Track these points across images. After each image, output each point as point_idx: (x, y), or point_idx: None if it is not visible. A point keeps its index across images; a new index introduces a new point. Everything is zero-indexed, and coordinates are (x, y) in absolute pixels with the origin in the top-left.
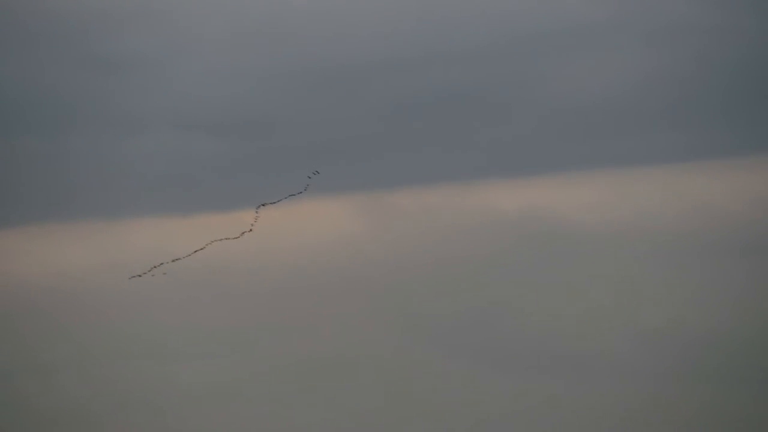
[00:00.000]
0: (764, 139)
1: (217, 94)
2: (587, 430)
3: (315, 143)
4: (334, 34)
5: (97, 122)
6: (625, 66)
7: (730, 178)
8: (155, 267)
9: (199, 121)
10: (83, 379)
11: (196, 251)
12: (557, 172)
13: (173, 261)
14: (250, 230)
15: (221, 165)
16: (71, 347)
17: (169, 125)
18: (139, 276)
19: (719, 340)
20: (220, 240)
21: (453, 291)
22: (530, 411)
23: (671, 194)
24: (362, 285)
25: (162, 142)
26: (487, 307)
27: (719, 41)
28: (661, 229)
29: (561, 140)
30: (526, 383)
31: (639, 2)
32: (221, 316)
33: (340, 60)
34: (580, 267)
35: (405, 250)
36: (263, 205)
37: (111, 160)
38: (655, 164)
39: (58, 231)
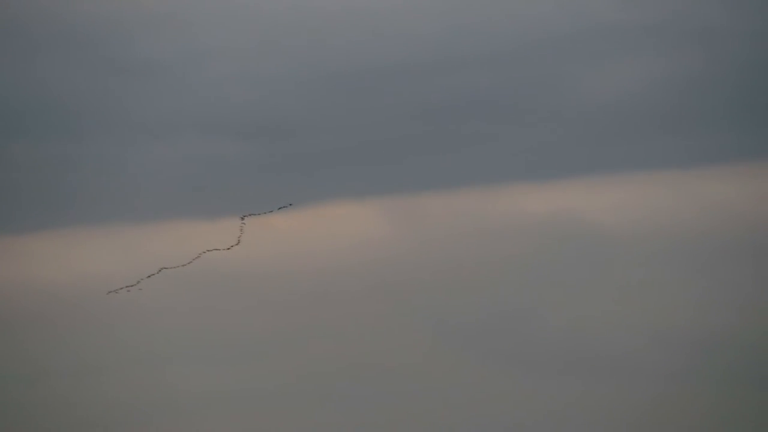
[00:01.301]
0: None
1: (242, 99)
2: None
3: (341, 147)
4: (361, 37)
5: (122, 127)
6: (648, 69)
7: (754, 181)
8: (148, 276)
9: (224, 125)
10: (115, 383)
11: (190, 262)
12: (583, 176)
13: (160, 270)
14: (238, 243)
15: (247, 169)
16: (103, 349)
17: (194, 129)
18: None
19: (743, 342)
20: (211, 250)
21: (480, 295)
22: (557, 414)
23: (695, 197)
24: (389, 289)
25: (187, 146)
26: (515, 311)
27: (743, 45)
28: (684, 232)
29: (586, 144)
30: (554, 386)
31: (666, 5)
32: (246, 321)
33: (367, 63)
34: (605, 270)
35: (432, 254)
36: (246, 216)
37: (136, 164)
38: (679, 168)
39: (86, 235)
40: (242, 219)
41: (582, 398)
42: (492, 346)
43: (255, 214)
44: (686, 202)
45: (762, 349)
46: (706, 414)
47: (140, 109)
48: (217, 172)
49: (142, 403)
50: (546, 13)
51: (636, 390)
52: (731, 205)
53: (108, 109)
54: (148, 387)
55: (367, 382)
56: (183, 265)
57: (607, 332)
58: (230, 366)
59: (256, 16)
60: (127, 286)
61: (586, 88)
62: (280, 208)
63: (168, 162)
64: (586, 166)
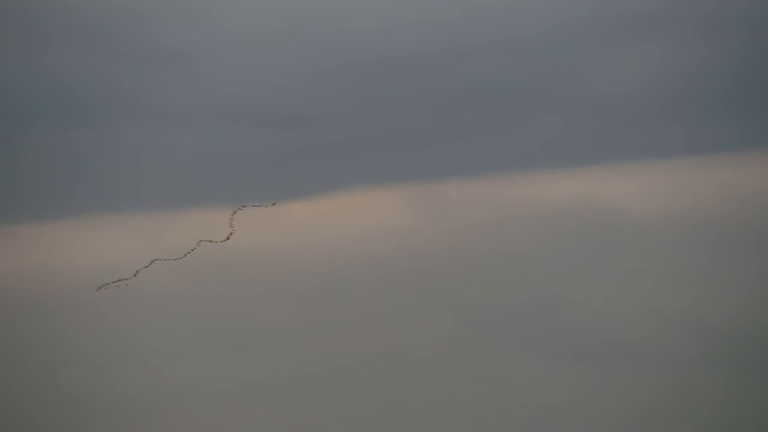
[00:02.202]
0: None
1: (263, 87)
2: (641, 421)
3: (362, 135)
4: (382, 25)
5: (145, 115)
6: (675, 55)
7: None
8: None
9: (246, 113)
10: (139, 372)
11: (187, 253)
12: (604, 163)
13: (171, 259)
14: (228, 238)
15: (269, 157)
16: (124, 338)
17: (214, 118)
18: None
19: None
20: (209, 241)
21: (503, 282)
22: (580, 401)
23: (717, 184)
24: (410, 277)
25: (209, 134)
26: (536, 299)
27: (764, 30)
28: (706, 218)
29: (608, 131)
30: (577, 374)
31: None
32: (267, 309)
33: (389, 51)
34: (630, 257)
35: (454, 242)
36: (240, 208)
37: (158, 152)
38: (701, 154)
39: (106, 223)
40: (233, 213)
41: (604, 385)
42: (513, 333)
43: (245, 206)
44: (708, 188)
45: None
46: (731, 401)
47: (161, 98)
48: (238, 161)
49: (165, 393)
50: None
51: (658, 377)
52: (753, 191)
53: (129, 97)
54: (171, 376)
55: (388, 371)
56: (176, 258)
57: (629, 319)
58: (252, 355)
59: (276, 4)
60: (135, 272)
61: (607, 76)
62: (271, 204)
63: (189, 150)
64: (608, 153)
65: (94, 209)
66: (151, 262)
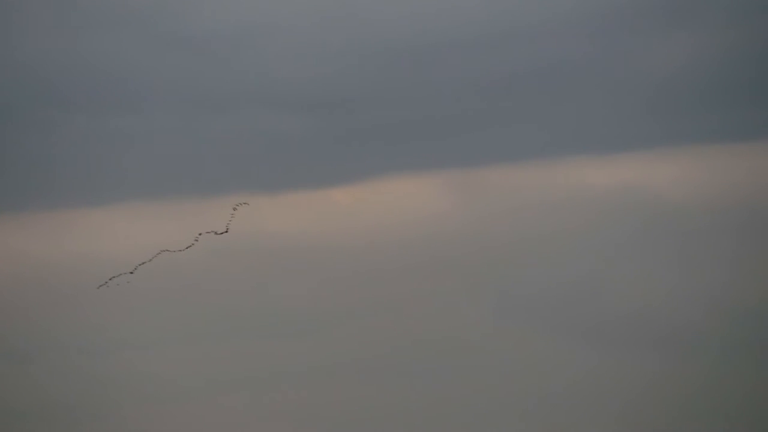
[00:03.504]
0: None
1: (303, 73)
2: (684, 406)
3: (402, 121)
4: (422, 11)
5: (184, 101)
6: (712, 41)
7: None
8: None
9: (286, 99)
10: (174, 357)
11: (188, 247)
12: (646, 148)
13: (173, 251)
14: (226, 231)
15: (309, 144)
16: (168, 321)
17: (255, 104)
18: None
19: None
20: (208, 232)
21: (542, 268)
22: (623, 387)
23: (758, 170)
24: (451, 263)
25: (249, 120)
26: (577, 284)
27: None
28: (749, 205)
29: (650, 116)
30: (619, 359)
31: None
32: (309, 296)
33: (429, 37)
34: (670, 243)
35: (493, 228)
36: (240, 204)
37: (199, 138)
38: (743, 140)
39: (145, 208)
40: (234, 209)
41: (646, 370)
42: (554, 319)
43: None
44: (749, 174)
45: None
46: None
47: (199, 84)
48: (277, 146)
49: (206, 376)
50: None
51: (700, 361)
52: None
53: (167, 83)
54: (213, 361)
55: (428, 357)
56: (181, 250)
57: (671, 304)
58: (294, 341)
59: None
60: (178, 249)
61: (646, 62)
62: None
63: (228, 136)
64: (648, 138)
65: (134, 196)
66: (187, 247)
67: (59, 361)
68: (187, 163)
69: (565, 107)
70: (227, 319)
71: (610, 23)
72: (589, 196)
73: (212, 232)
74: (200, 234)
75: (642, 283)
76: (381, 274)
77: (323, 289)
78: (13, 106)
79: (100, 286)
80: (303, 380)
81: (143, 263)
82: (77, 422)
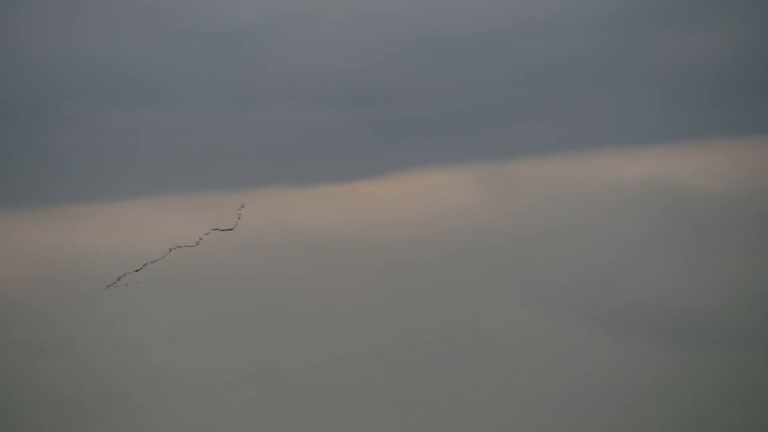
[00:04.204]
0: None
1: (334, 66)
2: (708, 396)
3: (433, 114)
4: (452, 3)
5: (213, 94)
6: (745, 33)
7: None
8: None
9: (317, 92)
10: (201, 350)
11: (196, 243)
12: (675, 140)
13: (182, 247)
14: (232, 228)
15: (339, 136)
16: (206, 313)
17: (284, 97)
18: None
19: None
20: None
21: (573, 260)
22: (650, 376)
23: None
24: (481, 255)
25: (277, 113)
26: (609, 277)
27: None
28: None
29: (679, 108)
30: (647, 349)
31: None
32: (339, 288)
33: (459, 29)
34: (697, 234)
35: (523, 220)
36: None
37: (228, 131)
38: None
39: (176, 202)
40: (239, 210)
41: (674, 362)
42: (583, 310)
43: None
44: None
45: None
46: None
47: (231, 77)
48: (306, 140)
49: (234, 369)
50: None
51: (726, 352)
52: None
53: (197, 76)
54: (240, 353)
55: (458, 348)
56: (190, 246)
57: (704, 297)
58: (324, 333)
59: None
60: (199, 239)
61: (679, 53)
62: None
63: (257, 129)
64: (678, 130)
65: (162, 189)
66: (195, 243)
67: (86, 355)
68: (216, 157)
69: (594, 100)
70: (255, 311)
71: (640, 14)
72: (617, 188)
73: (218, 229)
74: (211, 231)
75: (670, 274)
76: (410, 267)
77: (353, 282)
78: (43, 100)
79: (118, 279)
80: (332, 372)
81: (162, 257)
82: (104, 416)
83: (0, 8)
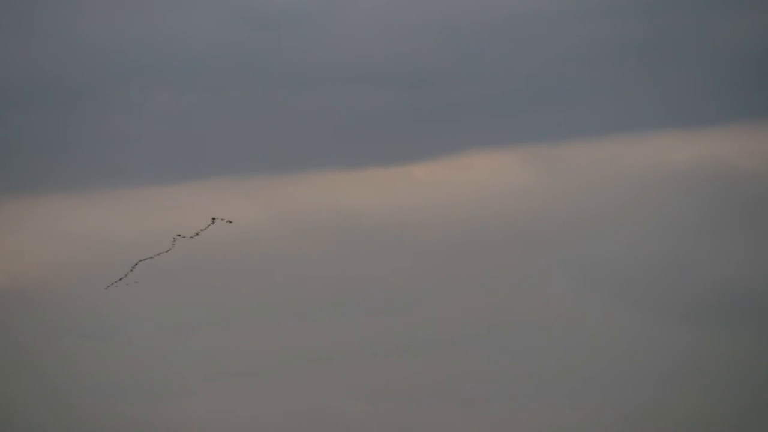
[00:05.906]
0: None
1: (387, 49)
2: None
3: (484, 96)
4: None
5: (265, 77)
6: None
7: None
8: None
9: (368, 75)
10: (258, 333)
11: (200, 231)
12: (726, 122)
13: (192, 236)
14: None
15: (390, 120)
16: (254, 295)
17: (336, 80)
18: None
19: None
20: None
21: (624, 243)
22: (710, 364)
23: None
24: (531, 239)
25: (329, 97)
26: (659, 259)
27: None
28: None
29: (731, 90)
30: (699, 333)
31: None
32: (390, 272)
33: (509, 11)
34: (749, 217)
35: (575, 203)
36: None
37: (279, 115)
38: None
39: (228, 186)
40: (212, 221)
41: (729, 347)
42: (635, 295)
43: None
44: None
45: None
46: None
47: (283, 61)
48: (357, 123)
49: (290, 352)
50: None
51: None
52: None
53: (248, 60)
54: (296, 337)
55: (510, 332)
56: (193, 236)
57: (755, 280)
58: (376, 318)
59: None
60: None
61: (727, 34)
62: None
63: (309, 113)
64: (729, 112)
65: (216, 173)
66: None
67: (143, 338)
68: (269, 141)
69: (644, 82)
70: (309, 296)
71: None
72: (668, 170)
73: (221, 219)
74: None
75: (727, 256)
76: (461, 251)
77: (404, 266)
78: (95, 86)
79: (171, 245)
80: (385, 357)
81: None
82: (156, 399)
83: None
